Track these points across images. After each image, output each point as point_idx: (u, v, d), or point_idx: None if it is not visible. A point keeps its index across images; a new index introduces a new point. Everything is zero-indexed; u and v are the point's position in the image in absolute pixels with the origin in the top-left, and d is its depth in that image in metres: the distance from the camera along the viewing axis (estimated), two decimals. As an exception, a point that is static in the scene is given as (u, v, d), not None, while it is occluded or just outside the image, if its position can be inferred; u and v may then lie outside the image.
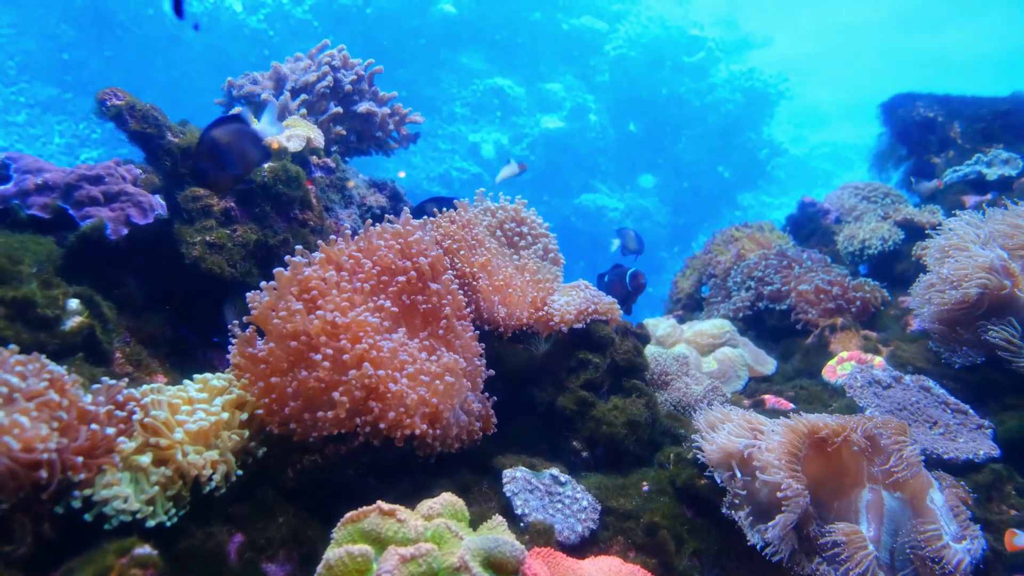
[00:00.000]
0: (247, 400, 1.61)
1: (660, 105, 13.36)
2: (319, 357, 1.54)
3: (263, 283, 1.67)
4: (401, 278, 1.77)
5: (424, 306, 1.79)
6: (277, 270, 1.68)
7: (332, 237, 1.84)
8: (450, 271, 1.94)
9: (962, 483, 1.72)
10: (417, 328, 1.80)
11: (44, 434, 1.24)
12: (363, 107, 2.90)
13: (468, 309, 1.95)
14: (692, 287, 3.81)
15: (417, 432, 1.54)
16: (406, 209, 1.97)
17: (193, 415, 1.50)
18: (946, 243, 2.30)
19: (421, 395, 1.57)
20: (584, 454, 1.92)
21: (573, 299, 2.04)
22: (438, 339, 1.78)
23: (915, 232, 3.30)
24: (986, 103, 3.87)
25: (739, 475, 1.63)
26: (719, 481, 1.67)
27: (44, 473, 1.22)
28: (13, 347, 1.37)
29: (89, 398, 1.38)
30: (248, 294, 1.68)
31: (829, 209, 3.90)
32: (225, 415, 1.54)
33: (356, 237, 1.87)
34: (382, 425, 1.52)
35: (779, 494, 1.49)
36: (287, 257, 1.70)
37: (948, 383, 2.20)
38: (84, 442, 1.31)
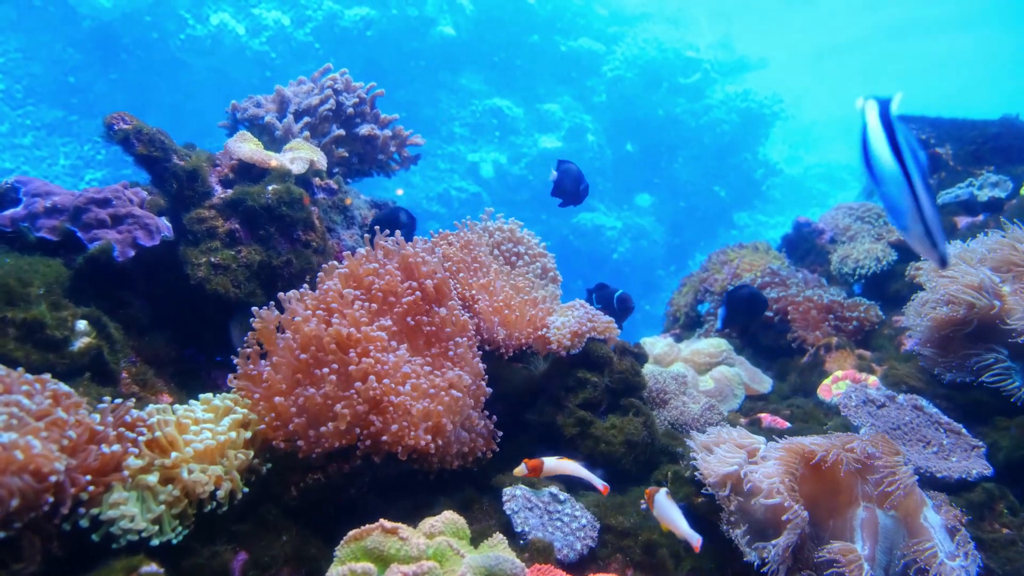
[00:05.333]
0: (251, 419, 1.63)
1: (657, 125, 13.51)
2: (326, 371, 1.58)
3: (281, 294, 1.72)
4: (409, 297, 1.81)
5: (428, 327, 1.83)
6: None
7: (360, 251, 1.89)
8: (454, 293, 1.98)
9: (952, 503, 1.74)
10: (421, 348, 1.84)
11: (54, 455, 1.27)
12: (365, 130, 2.96)
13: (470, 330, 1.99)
14: (689, 306, 3.85)
15: (422, 443, 1.57)
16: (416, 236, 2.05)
17: (200, 435, 1.52)
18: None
19: (425, 407, 1.61)
20: (583, 473, 1.94)
21: (570, 319, 2.08)
22: (444, 357, 1.82)
23: (908, 252, 3.35)
24: (977, 126, 3.95)
25: (734, 495, 1.66)
26: (716, 500, 1.69)
27: (51, 498, 1.24)
28: (20, 369, 1.40)
29: (97, 418, 1.41)
30: (255, 308, 1.73)
31: (824, 229, 3.96)
32: (232, 434, 1.56)
33: (358, 256, 1.91)
34: (385, 437, 1.55)
35: (782, 516, 1.51)
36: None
37: (941, 402, 2.23)
38: (92, 461, 1.33)
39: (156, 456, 1.43)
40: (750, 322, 2.53)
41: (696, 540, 1.53)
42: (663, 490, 1.62)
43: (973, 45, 20.79)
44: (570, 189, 2.63)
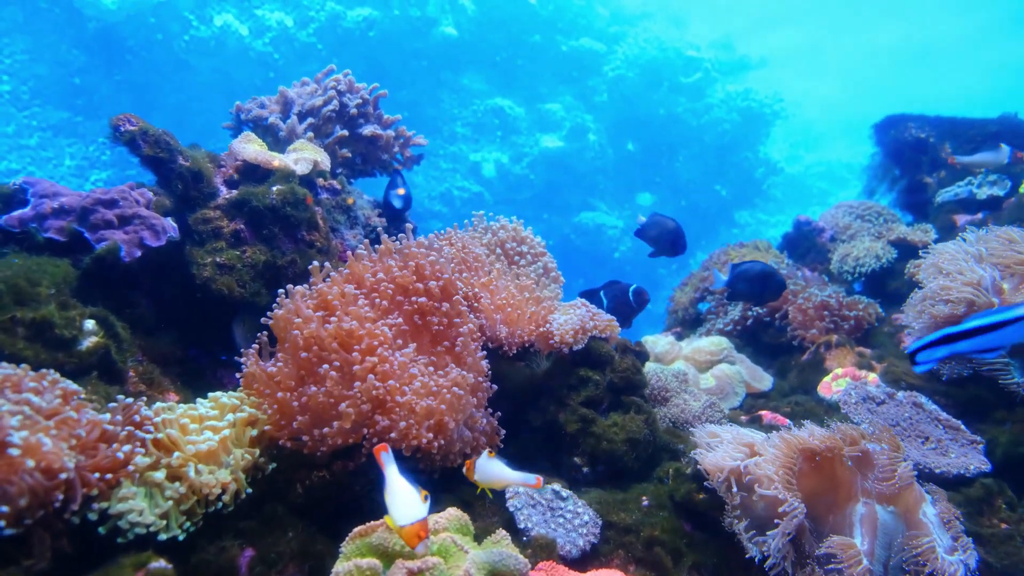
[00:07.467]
0: (258, 418, 1.65)
1: (658, 125, 13.52)
2: (327, 368, 1.60)
3: (289, 286, 1.75)
4: (419, 299, 1.83)
5: (436, 327, 1.85)
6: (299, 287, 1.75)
7: (360, 252, 1.91)
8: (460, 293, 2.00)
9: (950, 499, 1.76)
10: (426, 346, 1.86)
11: (64, 453, 1.29)
12: (368, 130, 2.98)
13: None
14: (690, 304, 3.86)
15: (424, 441, 1.59)
16: (415, 229, 2.06)
17: (203, 433, 1.54)
18: (939, 260, 2.36)
19: (428, 405, 1.62)
20: (585, 470, 1.96)
21: (572, 317, 2.09)
22: (448, 355, 1.83)
23: (908, 251, 3.37)
24: (976, 124, 3.96)
25: (736, 490, 1.67)
26: (718, 494, 1.71)
27: (61, 496, 1.26)
28: (24, 366, 1.42)
29: (108, 417, 1.43)
30: (281, 291, 1.78)
31: (824, 227, 3.97)
32: (232, 432, 1.58)
33: (368, 254, 1.93)
34: (394, 434, 1.57)
35: (780, 508, 1.53)
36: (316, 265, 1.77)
37: (940, 399, 2.24)
38: (102, 459, 1.35)
39: (162, 455, 1.45)
40: (757, 294, 2.65)
41: (534, 479, 1.36)
42: (483, 453, 1.43)
43: (973, 41, 20.76)
44: (660, 238, 2.83)
